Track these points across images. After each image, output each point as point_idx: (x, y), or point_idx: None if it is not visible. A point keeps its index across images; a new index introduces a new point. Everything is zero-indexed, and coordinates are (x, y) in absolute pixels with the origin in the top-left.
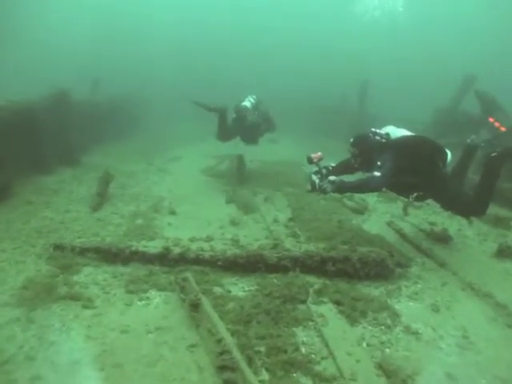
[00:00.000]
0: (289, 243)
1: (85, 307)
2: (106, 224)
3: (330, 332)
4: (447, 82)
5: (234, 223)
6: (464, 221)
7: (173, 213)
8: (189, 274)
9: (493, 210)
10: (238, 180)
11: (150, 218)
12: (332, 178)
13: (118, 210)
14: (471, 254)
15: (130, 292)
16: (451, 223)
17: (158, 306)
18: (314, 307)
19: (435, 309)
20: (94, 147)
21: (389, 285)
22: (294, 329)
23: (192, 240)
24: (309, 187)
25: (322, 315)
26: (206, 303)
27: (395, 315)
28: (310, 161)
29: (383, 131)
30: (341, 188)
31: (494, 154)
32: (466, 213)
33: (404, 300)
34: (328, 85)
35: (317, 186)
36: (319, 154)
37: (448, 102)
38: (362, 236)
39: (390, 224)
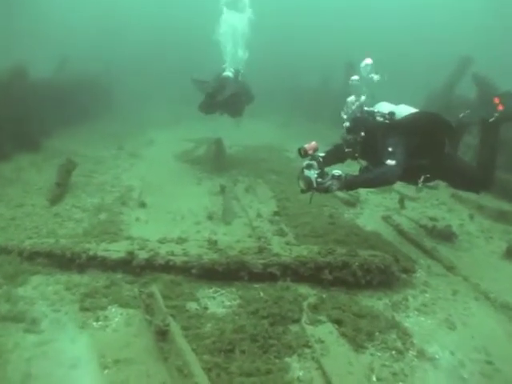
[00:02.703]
0: (276, 245)
1: (27, 332)
2: (64, 220)
3: (331, 363)
4: (441, 64)
5: (211, 218)
6: (465, 215)
7: (142, 205)
8: (155, 289)
9: (494, 203)
10: (217, 167)
11: (115, 213)
12: (336, 172)
13: (81, 202)
14: (479, 255)
15: (85, 309)
16: (451, 218)
17: (117, 328)
18: (309, 328)
19: (450, 326)
20: (58, 130)
21: (393, 294)
22: (287, 359)
23: (162, 241)
24: (303, 186)
25: (320, 340)
26: (176, 331)
27: (406, 335)
28: (305, 153)
29: (384, 110)
30: (350, 185)
31: (491, 120)
32: (474, 187)
33: (413, 314)
34: (311, 66)
35: (314, 184)
36: (313, 143)
37: (441, 87)
38: (356, 233)
39: (386, 219)
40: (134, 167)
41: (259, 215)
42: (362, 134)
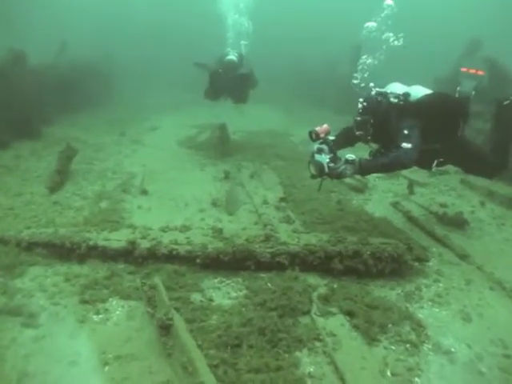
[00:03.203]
0: (283, 232)
1: (25, 326)
2: (64, 208)
3: (344, 358)
4: (450, 47)
5: (215, 204)
6: (476, 201)
7: (144, 192)
8: (158, 280)
9: (506, 190)
10: (221, 152)
11: (117, 200)
12: (350, 156)
13: (81, 190)
14: (492, 243)
15: (85, 302)
16: (462, 204)
17: (119, 322)
18: (320, 320)
19: (466, 317)
20: (59, 117)
21: (406, 284)
22: (297, 353)
23: (164, 230)
24: (313, 171)
25: (331, 333)
26: (180, 325)
27: (420, 327)
28: (316, 136)
29: (398, 91)
30: (365, 169)
31: (506, 102)
32: (487, 172)
33: (427, 305)
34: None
35: (326, 169)
36: (325, 126)
37: (449, 70)
38: (365, 220)
39: (395, 205)
40: (136, 153)
41: (265, 202)
42: (374, 115)
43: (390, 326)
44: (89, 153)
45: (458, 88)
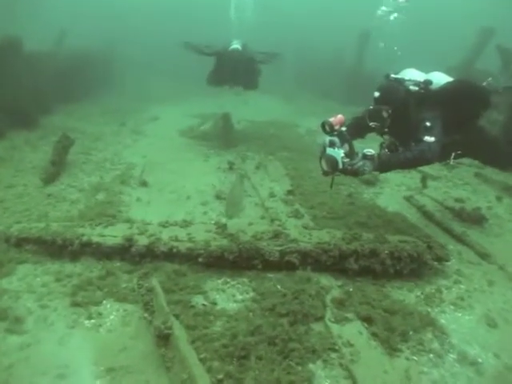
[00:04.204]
0: (292, 228)
1: (9, 332)
2: (58, 201)
3: (363, 371)
4: (461, 36)
5: (219, 197)
6: (492, 196)
7: (144, 184)
8: (156, 282)
9: None
10: (224, 142)
11: (114, 193)
12: (368, 151)
13: (77, 181)
14: None
15: (77, 305)
16: (478, 199)
17: (112, 328)
18: (335, 328)
19: (491, 322)
20: (57, 106)
21: (425, 285)
22: (310, 366)
23: (164, 225)
24: (325, 167)
25: (348, 343)
26: (180, 334)
27: (443, 334)
28: (330, 128)
29: (415, 78)
30: (386, 166)
31: None
32: (504, 163)
33: (449, 309)
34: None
35: (340, 165)
36: (340, 116)
37: (462, 60)
38: (379, 215)
39: (408, 199)
40: (137, 144)
41: (272, 194)
42: (393, 105)
43: (411, 333)
44: (87, 143)
45: (490, 79)
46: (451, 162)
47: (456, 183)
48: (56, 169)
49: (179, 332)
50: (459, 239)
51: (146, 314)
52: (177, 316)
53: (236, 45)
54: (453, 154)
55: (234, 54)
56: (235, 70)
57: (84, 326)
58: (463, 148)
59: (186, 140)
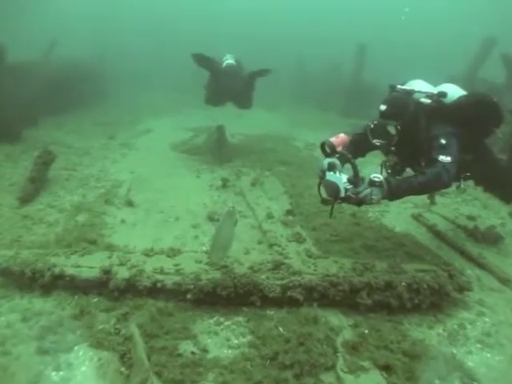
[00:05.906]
0: (295, 256)
1: None
2: (34, 223)
3: None
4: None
5: (212, 219)
6: (504, 213)
7: (130, 204)
8: (134, 328)
9: None
10: (218, 157)
11: (97, 213)
12: (376, 177)
13: (58, 200)
14: None
15: (44, 352)
16: (489, 216)
17: (84, 382)
18: (349, 379)
19: None
20: (46, 118)
21: (446, 320)
22: None
23: (148, 254)
24: (325, 195)
25: None
26: None
27: (473, 382)
28: (331, 149)
29: (425, 90)
30: (396, 193)
31: None
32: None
33: (475, 349)
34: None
35: (342, 193)
36: (342, 135)
37: (464, 69)
38: (387, 237)
39: (417, 218)
40: (125, 159)
41: (269, 215)
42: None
43: (437, 382)
44: (72, 158)
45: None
46: (462, 185)
47: (465, 199)
48: (35, 186)
49: None
50: (477, 263)
51: (122, 368)
52: (159, 374)
53: (230, 60)
54: (462, 177)
55: (231, 71)
56: (233, 88)
57: (50, 380)
58: (472, 170)
59: (178, 154)
